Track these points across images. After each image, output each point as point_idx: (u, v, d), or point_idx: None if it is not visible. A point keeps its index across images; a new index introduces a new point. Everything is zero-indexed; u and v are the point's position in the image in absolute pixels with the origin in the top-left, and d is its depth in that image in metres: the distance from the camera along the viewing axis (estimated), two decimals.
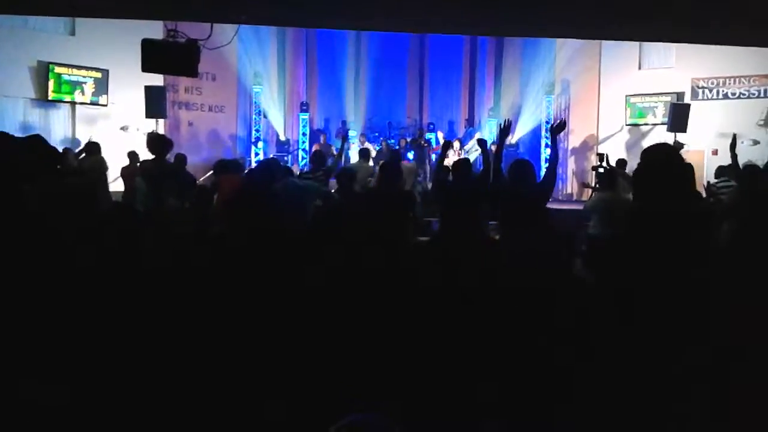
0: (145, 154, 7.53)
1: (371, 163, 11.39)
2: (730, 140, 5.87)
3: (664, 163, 3.31)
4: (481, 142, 5.93)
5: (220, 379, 2.42)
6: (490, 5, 6.57)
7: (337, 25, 11.52)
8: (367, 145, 13.17)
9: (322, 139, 14.85)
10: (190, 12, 7.16)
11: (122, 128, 12.81)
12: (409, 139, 14.93)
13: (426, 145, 14.32)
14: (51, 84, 12.11)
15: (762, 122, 13.06)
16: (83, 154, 9.50)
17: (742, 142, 6.90)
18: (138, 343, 2.51)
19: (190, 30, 7.73)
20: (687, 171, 3.35)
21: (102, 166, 9.26)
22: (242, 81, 15.38)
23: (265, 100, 15.61)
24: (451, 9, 6.86)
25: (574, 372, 2.60)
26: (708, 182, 7.51)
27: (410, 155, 14.58)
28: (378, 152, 13.72)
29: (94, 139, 9.95)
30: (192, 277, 2.93)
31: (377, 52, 16.59)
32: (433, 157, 13.64)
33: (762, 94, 13.23)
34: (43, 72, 12.08)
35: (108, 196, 8.62)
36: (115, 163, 9.88)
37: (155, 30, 9.67)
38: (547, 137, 14.74)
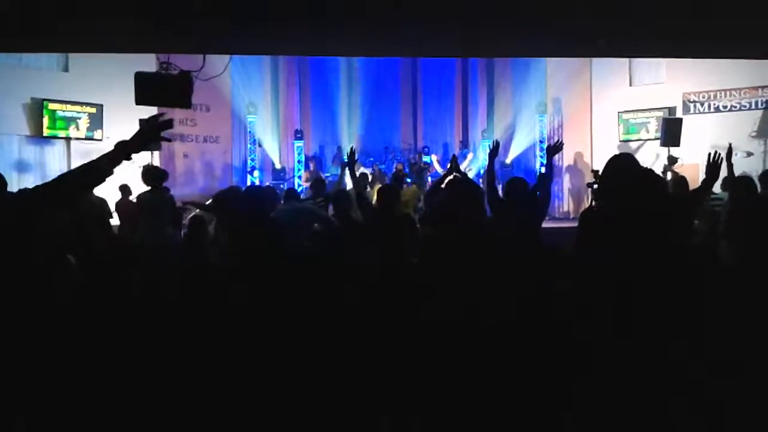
0: (140, 187, 7.53)
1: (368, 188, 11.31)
2: (725, 152, 5.90)
3: (626, 168, 3.48)
4: (454, 162, 5.88)
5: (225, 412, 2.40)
6: (473, 27, 6.60)
7: (326, 53, 11.62)
8: (362, 170, 13.10)
9: (311, 166, 14.84)
10: (181, 44, 7.20)
11: None
12: (403, 164, 14.91)
13: (426, 167, 14.23)
14: (45, 120, 12.16)
15: (754, 134, 13.12)
16: None
17: (736, 155, 6.91)
18: (145, 377, 2.50)
19: (182, 62, 7.78)
20: (648, 175, 3.49)
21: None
22: (236, 111, 15.42)
23: (260, 129, 15.64)
24: (435, 33, 6.89)
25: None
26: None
27: (408, 179, 14.55)
28: (364, 176, 13.59)
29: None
30: (195, 309, 2.92)
31: (370, 78, 16.65)
32: (429, 179, 13.61)
33: (753, 106, 13.30)
34: (37, 109, 12.13)
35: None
36: (112, 197, 9.85)
37: (148, 63, 9.71)
38: (542, 156, 14.77)
